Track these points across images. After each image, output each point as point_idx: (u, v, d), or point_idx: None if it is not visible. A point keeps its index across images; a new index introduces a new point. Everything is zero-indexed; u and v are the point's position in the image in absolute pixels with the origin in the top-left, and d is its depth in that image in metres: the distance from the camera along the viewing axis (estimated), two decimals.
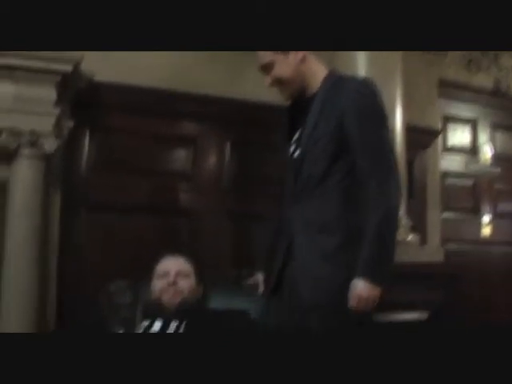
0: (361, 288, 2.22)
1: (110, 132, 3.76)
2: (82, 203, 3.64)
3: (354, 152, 2.30)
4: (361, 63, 3.65)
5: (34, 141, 3.25)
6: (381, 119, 2.37)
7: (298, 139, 2.42)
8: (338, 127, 2.31)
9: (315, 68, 2.43)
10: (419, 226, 4.52)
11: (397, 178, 2.32)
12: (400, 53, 3.78)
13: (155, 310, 2.58)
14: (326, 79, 2.40)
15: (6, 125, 3.21)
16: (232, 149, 4.08)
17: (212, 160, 4.04)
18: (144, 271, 2.71)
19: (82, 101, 3.53)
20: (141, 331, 2.46)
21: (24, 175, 3.28)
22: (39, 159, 3.30)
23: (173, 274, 2.63)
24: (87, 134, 3.71)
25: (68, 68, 3.30)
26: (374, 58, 3.65)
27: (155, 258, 2.72)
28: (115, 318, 2.39)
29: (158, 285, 2.63)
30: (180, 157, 3.97)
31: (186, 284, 2.63)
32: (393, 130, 3.57)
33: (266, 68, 2.43)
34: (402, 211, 3.51)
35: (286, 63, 2.40)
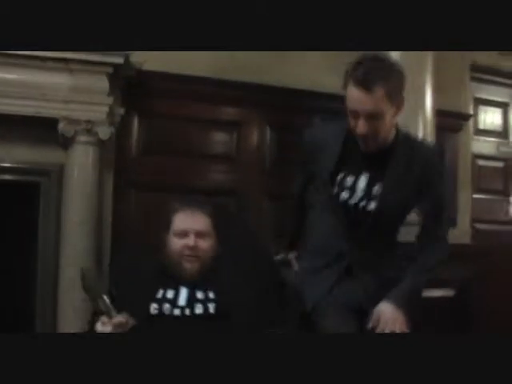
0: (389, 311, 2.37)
1: (157, 117, 4.01)
2: (132, 184, 3.93)
3: (428, 214, 2.52)
4: None
5: (90, 129, 3.51)
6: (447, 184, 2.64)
7: (352, 187, 2.46)
8: (416, 192, 2.46)
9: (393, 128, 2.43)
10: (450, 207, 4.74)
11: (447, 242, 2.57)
12: None
13: (176, 277, 2.47)
14: (398, 137, 2.44)
15: (63, 114, 3.47)
16: (272, 133, 4.30)
17: (253, 144, 4.29)
18: None
19: (132, 89, 3.79)
20: (162, 299, 2.41)
21: (80, 160, 3.56)
22: (94, 145, 3.56)
23: (192, 236, 2.46)
24: (136, 120, 3.97)
25: (120, 60, 3.52)
26: None
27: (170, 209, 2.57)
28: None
29: (176, 245, 2.48)
30: (223, 140, 4.22)
31: (207, 245, 2.48)
32: (424, 114, 3.79)
33: (370, 116, 2.28)
34: None
35: (391, 117, 2.34)
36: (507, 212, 5.61)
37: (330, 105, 4.08)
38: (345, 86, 2.32)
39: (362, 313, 2.44)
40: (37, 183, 3.65)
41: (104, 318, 2.30)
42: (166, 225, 2.53)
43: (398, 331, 2.31)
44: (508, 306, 4.88)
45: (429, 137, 3.79)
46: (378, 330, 2.33)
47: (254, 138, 4.29)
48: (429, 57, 3.94)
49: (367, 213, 2.43)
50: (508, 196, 5.65)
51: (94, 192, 3.58)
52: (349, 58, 2.36)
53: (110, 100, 3.57)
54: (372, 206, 2.42)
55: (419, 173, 2.42)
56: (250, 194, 4.18)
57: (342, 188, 2.46)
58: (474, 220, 5.17)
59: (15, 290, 3.75)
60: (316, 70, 4.31)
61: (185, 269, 2.46)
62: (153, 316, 2.40)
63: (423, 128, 3.77)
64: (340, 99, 3.88)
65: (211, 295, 2.43)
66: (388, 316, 2.35)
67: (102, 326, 2.28)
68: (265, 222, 4.14)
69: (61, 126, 3.48)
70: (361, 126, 2.28)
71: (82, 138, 3.53)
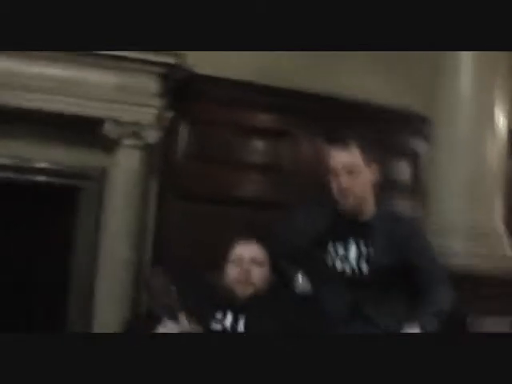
0: None
1: (206, 123, 3.82)
2: (177, 194, 3.71)
3: (418, 271, 2.65)
4: (465, 63, 3.58)
5: (137, 131, 3.32)
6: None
7: (345, 256, 2.65)
8: (402, 258, 2.62)
9: (372, 195, 2.67)
10: None
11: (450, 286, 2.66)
12: (505, 54, 3.65)
13: (228, 300, 2.56)
14: (378, 211, 2.67)
15: (108, 115, 3.28)
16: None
17: (304, 155, 4.06)
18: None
19: (181, 92, 3.59)
20: (215, 323, 2.50)
21: (126, 165, 3.38)
22: (140, 149, 3.37)
23: (246, 260, 2.57)
24: (184, 125, 3.76)
25: (171, 60, 3.35)
26: (477, 59, 3.58)
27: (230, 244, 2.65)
28: (156, 305, 2.49)
29: (231, 271, 2.58)
30: (274, 150, 4.01)
31: (260, 273, 2.58)
32: (493, 134, 3.59)
33: (349, 170, 2.57)
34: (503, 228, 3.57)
35: (367, 176, 2.61)
36: None
37: (384, 115, 4.14)
38: (325, 156, 2.61)
39: None
40: (77, 187, 3.47)
41: (170, 323, 2.40)
42: (225, 254, 2.63)
43: None
44: None
45: (499, 157, 3.61)
46: None
47: (305, 148, 4.06)
48: (498, 76, 3.70)
49: (363, 276, 2.63)
50: None
51: (138, 200, 3.39)
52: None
53: (160, 102, 3.38)
54: (365, 269, 2.63)
55: (401, 237, 2.63)
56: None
57: (335, 257, 2.66)
58: None
59: (47, 301, 3.59)
60: (367, 79, 4.12)
61: (236, 293, 2.56)
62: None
63: (493, 148, 3.57)
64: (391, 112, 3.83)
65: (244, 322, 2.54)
66: None
67: (167, 329, 2.39)
68: None
69: (106, 127, 3.29)
70: (342, 181, 2.55)
71: (128, 140, 3.34)
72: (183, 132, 3.76)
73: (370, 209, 2.67)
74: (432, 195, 3.61)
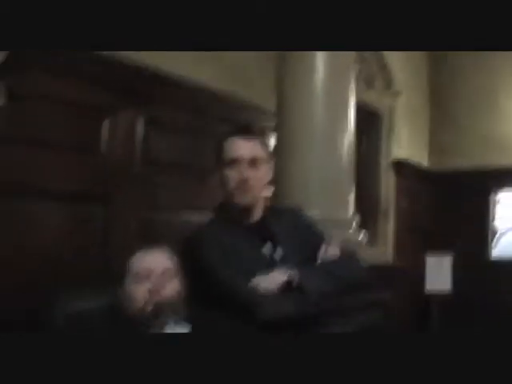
0: None
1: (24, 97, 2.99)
2: None
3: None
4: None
5: None
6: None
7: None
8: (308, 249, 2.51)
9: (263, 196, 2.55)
10: None
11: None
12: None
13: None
14: (267, 209, 2.55)
15: None
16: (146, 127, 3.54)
17: (123, 138, 3.42)
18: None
19: None
20: None
21: None
22: None
23: (158, 274, 2.20)
24: None
25: None
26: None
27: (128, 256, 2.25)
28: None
29: (137, 291, 2.18)
30: (92, 130, 3.30)
31: (173, 288, 2.21)
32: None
33: (251, 162, 2.42)
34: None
35: (266, 172, 2.50)
36: None
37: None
38: (223, 145, 2.46)
39: None
40: None
41: None
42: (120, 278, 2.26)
43: None
44: None
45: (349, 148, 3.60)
46: None
47: (124, 130, 3.43)
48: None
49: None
50: None
51: None
52: None
53: None
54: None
55: (301, 229, 2.56)
56: (116, 202, 3.34)
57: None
58: None
59: None
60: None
61: (147, 316, 2.17)
62: None
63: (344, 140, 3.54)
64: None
65: None
66: None
67: None
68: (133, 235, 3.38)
69: None
70: (242, 171, 2.39)
71: None
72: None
73: (259, 210, 2.51)
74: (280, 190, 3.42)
